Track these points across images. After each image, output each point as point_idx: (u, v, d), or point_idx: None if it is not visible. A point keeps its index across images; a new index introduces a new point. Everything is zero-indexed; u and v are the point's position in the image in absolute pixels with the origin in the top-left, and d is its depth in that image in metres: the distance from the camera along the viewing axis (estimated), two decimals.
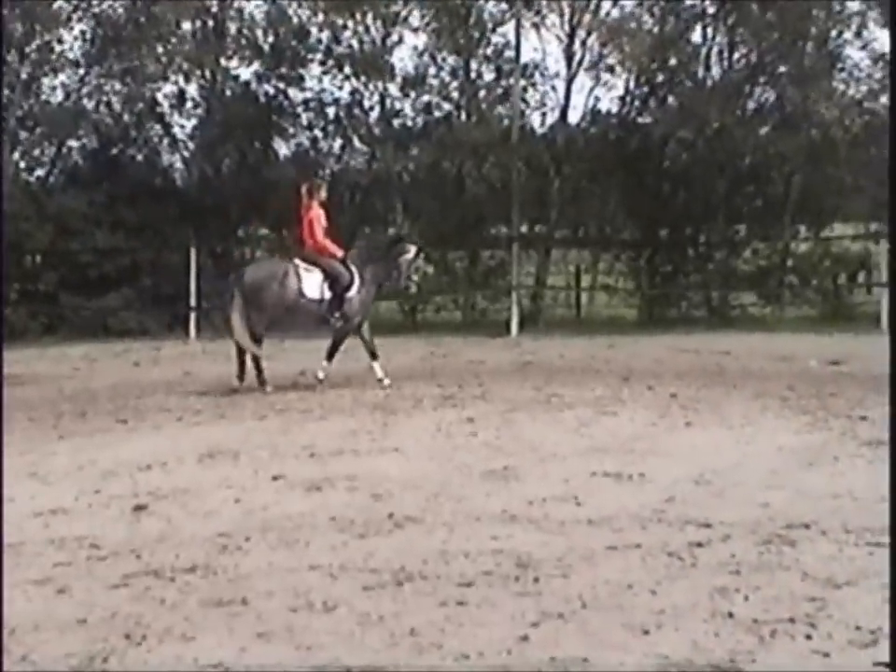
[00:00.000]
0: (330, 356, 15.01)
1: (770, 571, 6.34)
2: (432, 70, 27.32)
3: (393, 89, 27.25)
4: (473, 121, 26.98)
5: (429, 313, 26.79)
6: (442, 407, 12.74)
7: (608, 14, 26.59)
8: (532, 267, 27.54)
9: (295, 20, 26.91)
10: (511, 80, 26.92)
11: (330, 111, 27.44)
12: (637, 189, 27.05)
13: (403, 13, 26.68)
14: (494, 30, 27.13)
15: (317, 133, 27.84)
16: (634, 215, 27.58)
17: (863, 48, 26.68)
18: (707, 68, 26.73)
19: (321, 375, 14.77)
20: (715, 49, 26.70)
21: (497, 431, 11.12)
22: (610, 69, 26.94)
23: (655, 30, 26.44)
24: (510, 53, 26.93)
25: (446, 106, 27.71)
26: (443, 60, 27.23)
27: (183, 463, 9.78)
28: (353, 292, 14.85)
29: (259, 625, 5.57)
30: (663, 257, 27.40)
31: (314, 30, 26.90)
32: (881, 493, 8.08)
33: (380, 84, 26.97)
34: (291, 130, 28.06)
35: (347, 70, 26.74)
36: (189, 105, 28.21)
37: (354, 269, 14.93)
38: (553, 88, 27.20)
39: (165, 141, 28.87)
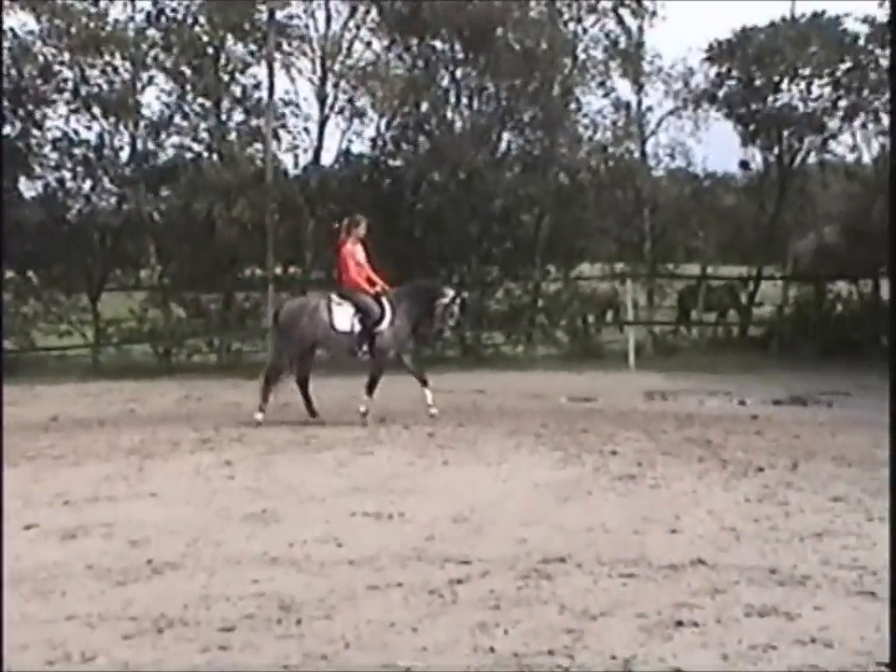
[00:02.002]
0: (370, 390, 15.32)
1: (529, 605, 6.47)
2: (182, 111, 26.98)
3: (143, 129, 26.81)
4: (224, 163, 26.76)
5: (183, 356, 26.38)
6: (200, 450, 12.63)
7: (359, 57, 26.81)
8: None
9: (40, 58, 26.22)
10: (263, 122, 26.86)
11: (78, 151, 26.79)
12: (390, 231, 27.20)
13: (152, 54, 26.32)
14: (244, 71, 27.01)
15: (65, 173, 27.13)
16: (388, 256, 27.66)
17: (606, 95, 27.63)
18: (457, 112, 27.15)
19: (363, 409, 15.10)
20: (464, 93, 27.14)
21: (255, 474, 11.08)
22: (361, 112, 27.12)
23: (405, 73, 26.70)
24: (261, 94, 26.90)
25: (196, 148, 27.43)
26: (193, 101, 26.93)
27: None
28: (383, 327, 15.16)
29: None
30: None
31: (60, 68, 26.26)
32: (633, 526, 8.38)
33: (129, 124, 26.52)
34: (38, 170, 27.30)
35: (96, 110, 26.20)
36: None
37: (387, 305, 15.21)
38: (306, 129, 27.21)
39: None
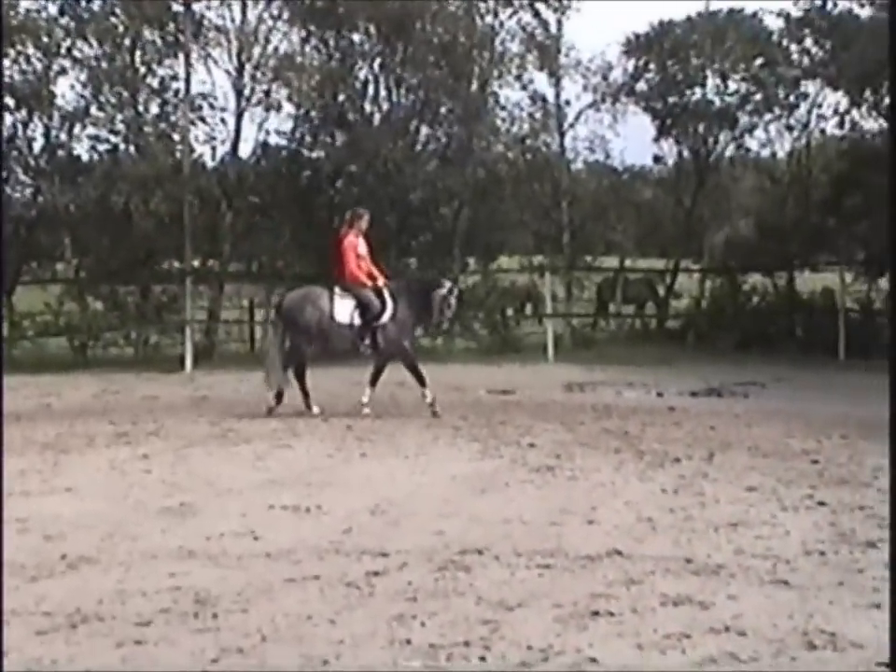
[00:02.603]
0: (373, 382, 15.31)
1: (446, 597, 6.48)
2: (98, 102, 26.66)
3: (57, 120, 26.50)
4: (141, 154, 26.50)
5: (100, 349, 26.11)
6: (116, 444, 12.50)
7: (276, 49, 26.67)
8: (205, 301, 27.28)
9: None
10: (180, 113, 26.65)
11: None
12: (308, 223, 27.13)
13: (66, 44, 25.99)
14: (160, 62, 26.76)
15: None
16: (306, 249, 27.61)
17: (523, 88, 27.71)
18: (376, 104, 27.11)
19: (365, 400, 15.03)
20: (382, 86, 27.10)
21: (172, 467, 10.99)
22: (278, 104, 26.99)
23: (323, 65, 26.59)
24: (178, 85, 26.66)
25: (113, 139, 27.14)
26: (109, 92, 26.61)
27: None
28: (384, 320, 15.09)
29: None
30: None
31: None
32: (550, 517, 8.42)
33: (43, 115, 26.20)
34: None
35: (8, 101, 25.84)
36: None
37: (388, 299, 15.11)
38: (224, 121, 27.02)
39: None
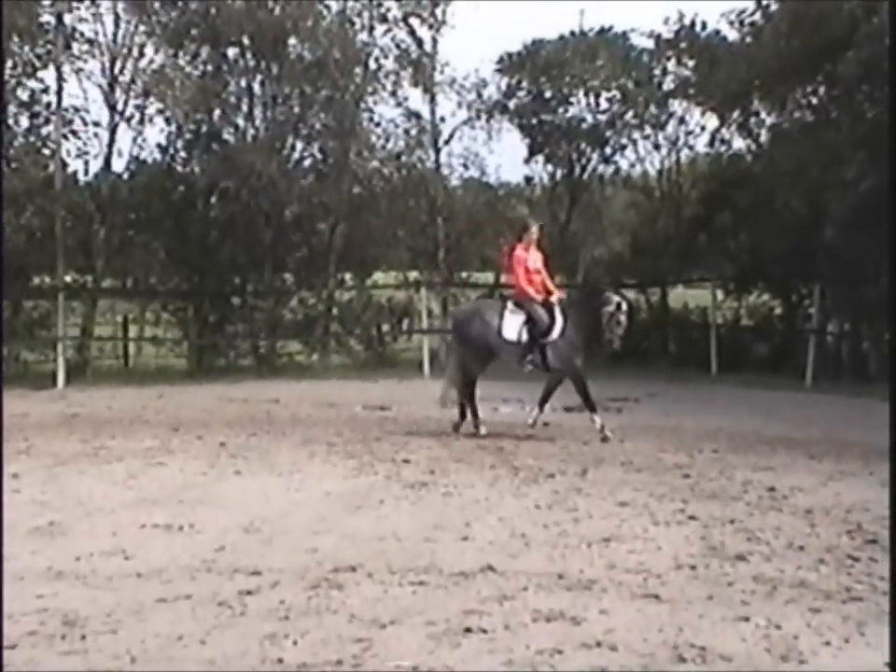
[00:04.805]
0: (543, 403, 14.91)
1: (318, 615, 6.47)
2: None
3: None
4: (12, 168, 26.02)
5: None
6: None
7: (150, 63, 26.40)
8: (78, 318, 26.87)
9: None
10: (52, 127, 26.24)
11: None
12: (183, 239, 26.90)
13: None
14: (31, 75, 26.31)
15: None
16: (181, 264, 27.35)
17: (398, 104, 27.76)
18: (250, 120, 26.95)
19: (531, 421, 14.77)
20: (257, 101, 26.94)
21: (42, 486, 10.82)
22: (151, 119, 26.70)
23: (197, 80, 26.35)
24: (49, 98, 26.25)
25: None
26: None
27: None
28: (552, 338, 14.46)
29: None
30: (210, 306, 27.29)
31: None
32: (424, 533, 8.44)
33: None
34: None
35: None
36: None
37: (559, 315, 14.53)
38: (97, 135, 26.65)
39: None
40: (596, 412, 14.56)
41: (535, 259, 14.96)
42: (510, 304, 14.86)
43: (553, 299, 14.74)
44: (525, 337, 14.61)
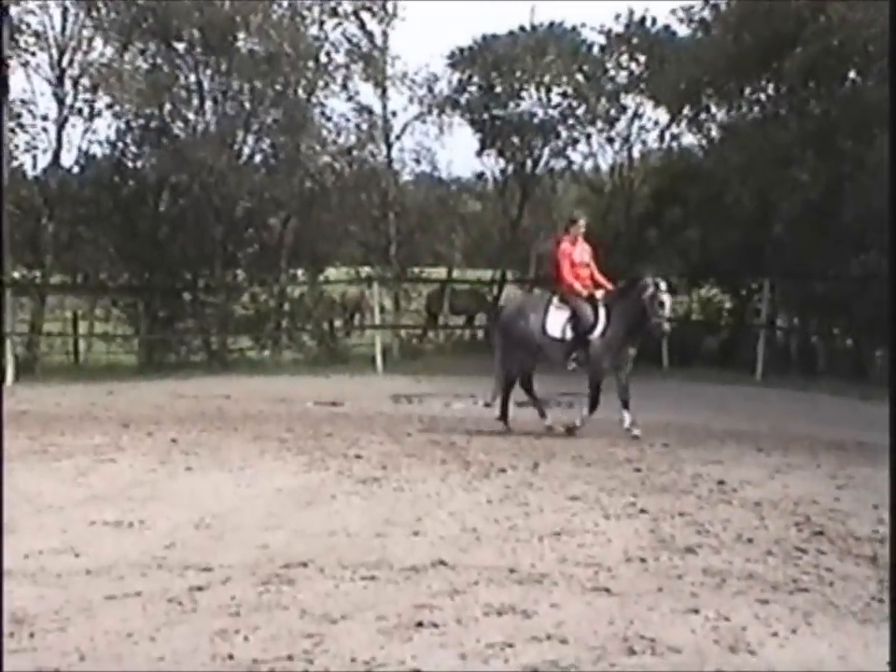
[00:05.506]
0: (592, 406, 14.42)
1: (269, 611, 6.44)
2: None
3: None
4: None
5: None
6: None
7: (100, 55, 26.22)
8: (27, 314, 26.68)
9: None
10: None
11: None
12: (133, 234, 26.78)
13: None
14: None
15: None
16: (130, 260, 27.21)
17: (349, 99, 27.70)
18: (200, 114, 26.82)
19: (577, 423, 14.37)
20: (207, 96, 26.81)
21: None
22: (100, 113, 26.53)
23: (146, 74, 26.20)
24: None
25: None
26: None
27: None
28: (595, 335, 14.12)
29: None
30: (160, 302, 27.18)
31: None
32: (375, 529, 8.44)
33: None
34: None
35: None
36: None
37: (602, 311, 14.19)
38: (45, 129, 26.46)
39: None
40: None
41: (581, 252, 14.76)
42: (555, 300, 14.57)
43: (598, 294, 14.40)
44: (569, 334, 14.34)
